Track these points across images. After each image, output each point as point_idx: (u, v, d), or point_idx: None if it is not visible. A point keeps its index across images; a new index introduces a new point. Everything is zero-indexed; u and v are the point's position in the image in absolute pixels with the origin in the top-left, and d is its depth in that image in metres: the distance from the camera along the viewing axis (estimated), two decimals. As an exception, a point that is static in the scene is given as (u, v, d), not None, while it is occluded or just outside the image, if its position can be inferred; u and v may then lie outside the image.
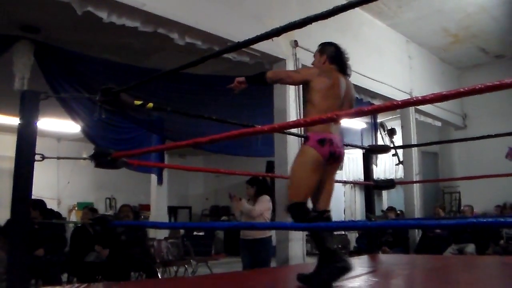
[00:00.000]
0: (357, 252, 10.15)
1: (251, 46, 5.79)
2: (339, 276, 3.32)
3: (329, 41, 3.99)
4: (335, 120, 2.91)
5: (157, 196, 12.01)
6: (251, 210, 6.35)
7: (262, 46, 6.04)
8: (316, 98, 3.50)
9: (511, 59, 11.76)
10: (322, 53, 3.86)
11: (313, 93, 3.53)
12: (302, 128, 5.76)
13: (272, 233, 6.69)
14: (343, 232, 10.91)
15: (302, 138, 3.76)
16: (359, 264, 5.29)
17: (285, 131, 5.43)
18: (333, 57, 3.82)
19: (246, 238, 6.40)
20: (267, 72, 3.77)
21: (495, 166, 10.10)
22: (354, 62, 8.19)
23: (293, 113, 6.67)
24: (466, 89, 1.72)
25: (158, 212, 11.96)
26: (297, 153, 3.64)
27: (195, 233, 12.41)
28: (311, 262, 7.94)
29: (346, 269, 3.33)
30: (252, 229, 6.28)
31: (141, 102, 3.58)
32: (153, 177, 11.76)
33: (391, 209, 10.44)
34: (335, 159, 3.53)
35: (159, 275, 7.86)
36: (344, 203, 14.10)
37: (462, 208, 10.95)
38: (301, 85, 3.96)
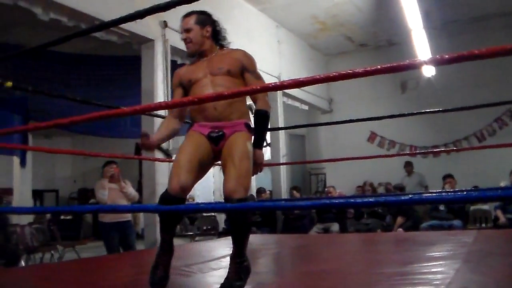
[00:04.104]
0: (226, 233, 10.30)
1: (120, 26, 5.65)
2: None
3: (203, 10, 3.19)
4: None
5: (20, 179, 11.41)
6: (136, 196, 6.42)
7: (131, 26, 5.91)
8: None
9: (373, 48, 12.43)
10: (204, 25, 3.11)
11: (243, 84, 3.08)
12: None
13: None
14: (212, 214, 10.99)
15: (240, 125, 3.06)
16: (227, 245, 5.38)
17: (152, 112, 5.36)
18: (217, 33, 3.20)
19: (114, 221, 6.27)
20: (267, 113, 3.10)
21: (357, 149, 10.67)
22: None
23: (160, 94, 6.60)
24: (335, 74, 1.79)
25: (22, 196, 11.37)
26: (243, 140, 3.00)
27: (62, 217, 11.99)
28: (180, 244, 7.99)
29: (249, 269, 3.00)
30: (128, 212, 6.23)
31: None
32: (16, 159, 11.14)
33: (263, 190, 10.63)
34: None
35: (23, 263, 7.52)
36: (213, 184, 14.19)
37: (326, 189, 11.42)
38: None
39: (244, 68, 3.08)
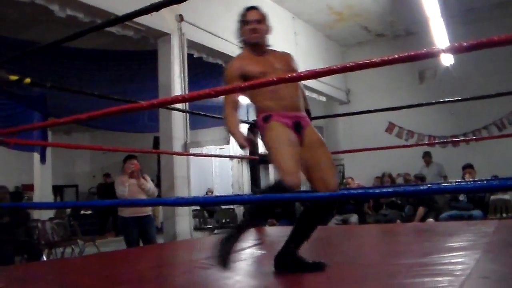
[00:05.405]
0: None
1: (135, 20, 5.66)
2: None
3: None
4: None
5: (40, 175, 11.52)
6: (155, 191, 6.45)
7: (147, 20, 5.91)
8: None
9: (391, 38, 12.33)
10: (267, 21, 3.36)
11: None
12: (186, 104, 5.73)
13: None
14: (231, 207, 11.03)
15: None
16: (246, 238, 5.38)
17: (169, 106, 5.37)
18: None
19: (134, 216, 6.30)
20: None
21: (376, 140, 10.60)
22: (240, 37, 8.23)
23: (177, 88, 6.61)
24: (351, 64, 1.77)
25: (42, 192, 11.48)
26: (319, 135, 3.28)
27: (82, 212, 12.10)
28: (199, 237, 7.98)
29: None
30: (146, 205, 6.27)
31: (17, 77, 3.40)
32: (36, 155, 11.24)
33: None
34: None
35: (44, 257, 7.60)
36: (232, 177, 14.21)
37: (344, 180, 11.37)
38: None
39: (293, 70, 3.26)
